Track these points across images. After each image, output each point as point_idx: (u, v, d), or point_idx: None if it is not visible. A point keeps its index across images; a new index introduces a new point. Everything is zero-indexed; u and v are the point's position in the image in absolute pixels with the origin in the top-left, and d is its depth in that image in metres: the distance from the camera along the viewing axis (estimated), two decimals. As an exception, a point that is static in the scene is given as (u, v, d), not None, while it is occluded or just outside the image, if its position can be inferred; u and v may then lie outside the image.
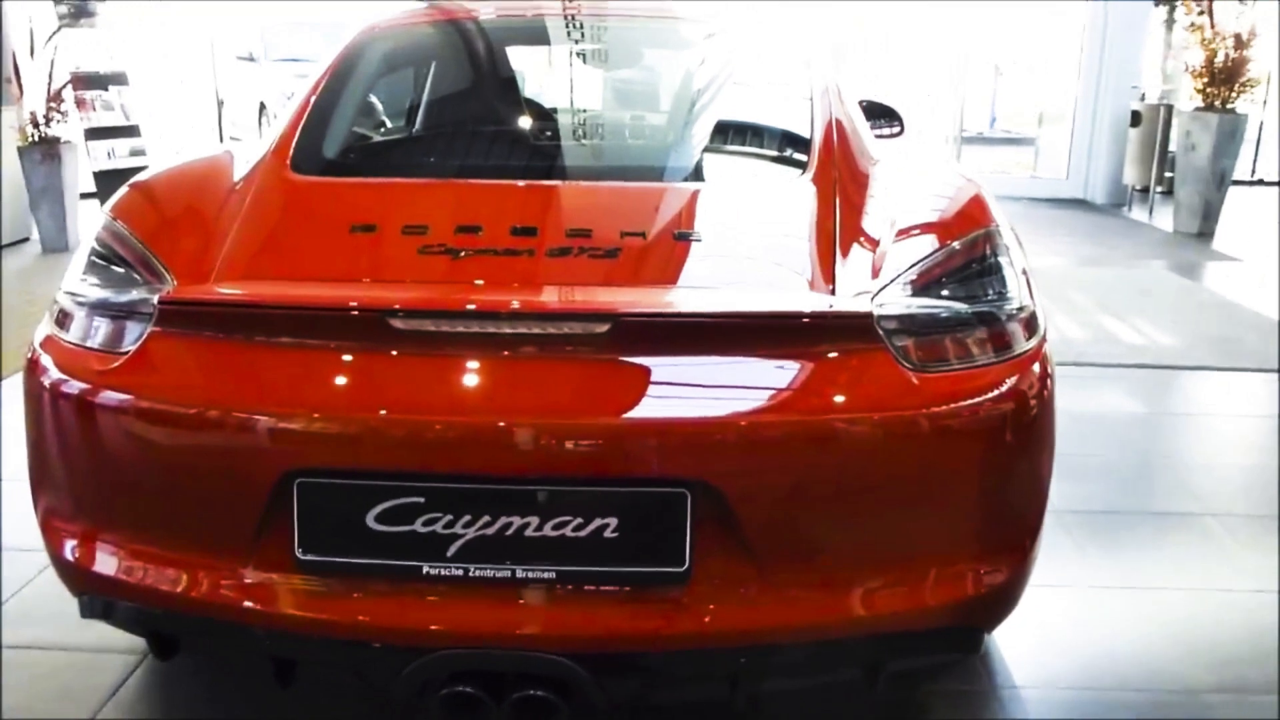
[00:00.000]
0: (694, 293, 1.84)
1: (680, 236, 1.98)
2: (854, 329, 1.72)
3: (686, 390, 1.69)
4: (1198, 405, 4.22)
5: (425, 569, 1.66)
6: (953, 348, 1.78)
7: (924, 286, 1.83)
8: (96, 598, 1.86)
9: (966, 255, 1.90)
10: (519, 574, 1.66)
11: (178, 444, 1.72)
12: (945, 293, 1.83)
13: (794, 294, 1.83)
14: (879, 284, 1.82)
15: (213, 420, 1.68)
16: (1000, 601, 1.86)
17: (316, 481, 1.66)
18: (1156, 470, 3.54)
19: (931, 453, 1.73)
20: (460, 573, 1.66)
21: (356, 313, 1.68)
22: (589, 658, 1.69)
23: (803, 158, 2.23)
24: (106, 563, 1.82)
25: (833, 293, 1.81)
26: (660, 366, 1.68)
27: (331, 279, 1.86)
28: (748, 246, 1.98)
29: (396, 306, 1.66)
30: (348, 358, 1.69)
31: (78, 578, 1.87)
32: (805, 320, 1.71)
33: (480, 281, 1.83)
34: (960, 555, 1.78)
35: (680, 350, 1.69)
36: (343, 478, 1.67)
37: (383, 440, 1.64)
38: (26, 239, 7.22)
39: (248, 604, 1.72)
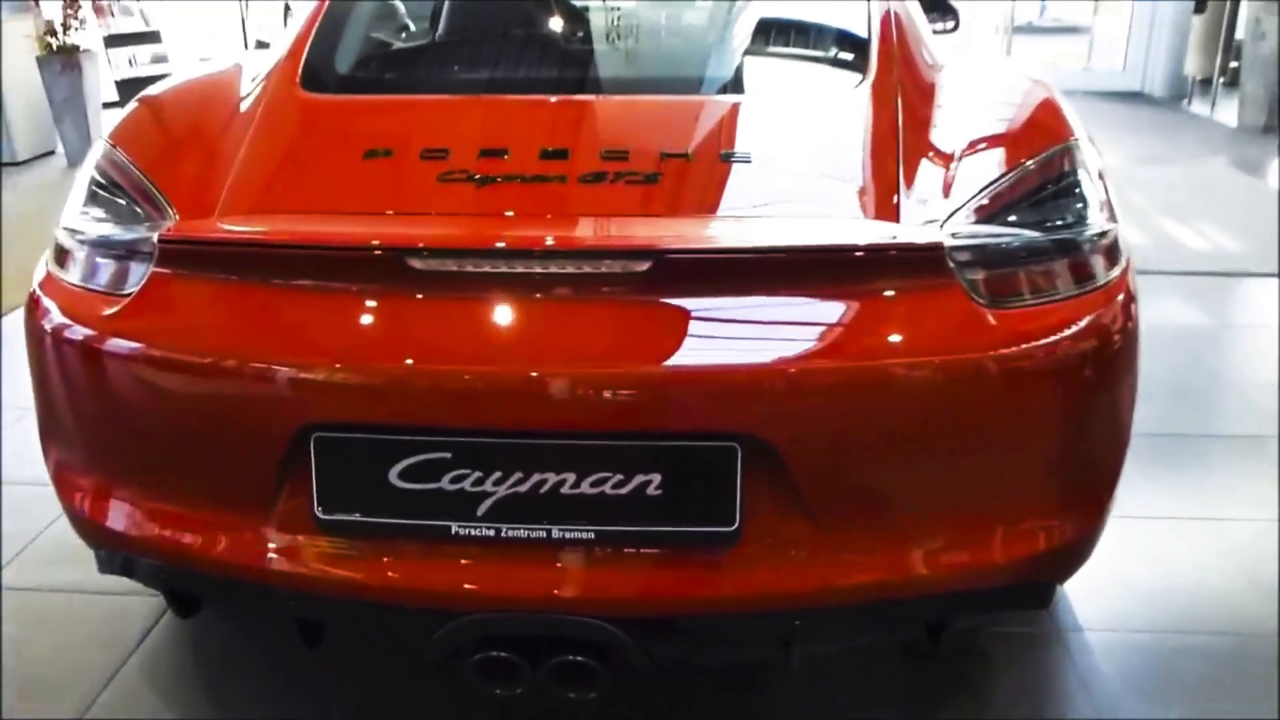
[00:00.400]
0: (743, 224, 1.66)
1: (725, 157, 1.78)
2: (922, 262, 1.55)
3: (737, 333, 1.53)
4: (1267, 316, 3.99)
5: (454, 529, 1.54)
6: (1028, 280, 1.61)
7: (996, 212, 1.64)
8: (115, 553, 1.77)
9: (1043, 175, 1.71)
10: (555, 534, 1.53)
11: (182, 396, 1.60)
12: (1020, 218, 1.65)
13: (854, 223, 1.65)
14: (947, 210, 1.63)
15: (218, 371, 1.55)
16: (1074, 555, 1.72)
17: (334, 436, 1.54)
18: (1225, 388, 3.36)
19: (1006, 398, 1.57)
20: (492, 533, 1.54)
21: (369, 253, 1.53)
22: (631, 621, 1.58)
23: (860, 63, 2.01)
24: (119, 518, 1.72)
25: (897, 220, 1.63)
26: (707, 308, 1.52)
27: (344, 212, 1.70)
28: (800, 168, 1.79)
29: (417, 245, 1.51)
30: (363, 301, 1.55)
31: (91, 532, 1.77)
32: (869, 254, 1.53)
33: (510, 212, 1.66)
34: (1033, 508, 1.64)
35: (729, 289, 1.52)
36: (362, 432, 1.54)
37: (404, 392, 1.50)
38: (51, 152, 7.11)
39: (268, 564, 1.62)
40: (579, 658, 1.59)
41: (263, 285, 1.58)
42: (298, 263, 1.57)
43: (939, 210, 1.64)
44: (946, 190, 1.68)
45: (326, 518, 1.57)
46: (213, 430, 1.59)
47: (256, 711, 1.96)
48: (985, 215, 1.64)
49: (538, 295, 1.52)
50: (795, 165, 1.79)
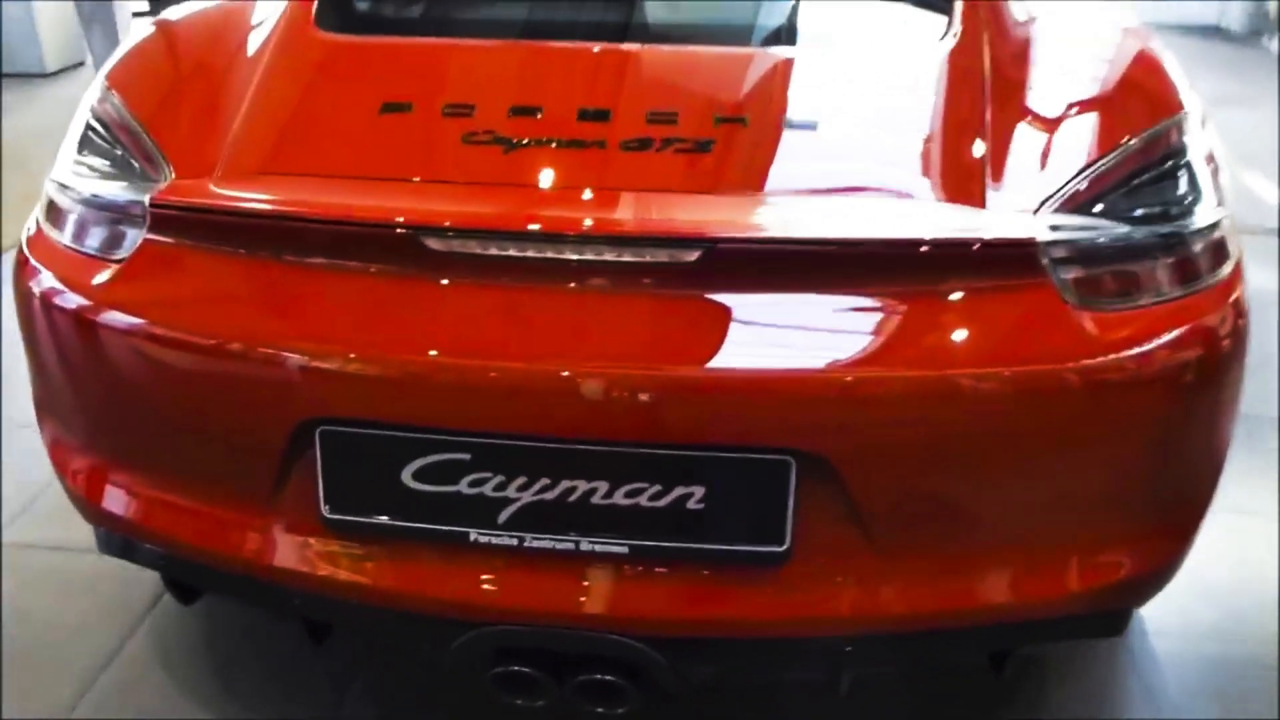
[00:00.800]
0: (805, 208, 1.45)
1: (787, 124, 1.56)
2: (1012, 259, 1.35)
3: (795, 335, 1.34)
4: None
5: (473, 536, 1.39)
6: (1128, 279, 1.41)
7: (1095, 199, 1.43)
8: (113, 535, 1.64)
9: (1148, 156, 1.49)
10: (583, 547, 1.38)
11: (175, 378, 1.45)
12: (1121, 207, 1.44)
13: (934, 211, 1.44)
14: (1040, 196, 1.43)
15: (211, 353, 1.40)
16: (1157, 582, 1.55)
17: (342, 430, 1.39)
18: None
19: (1099, 412, 1.38)
20: (514, 542, 1.39)
21: (381, 231, 1.35)
22: (665, 641, 1.43)
23: (943, 7, 1.76)
24: (115, 500, 1.59)
25: (982, 206, 1.43)
26: (762, 304, 1.34)
27: (357, 176, 1.51)
28: (872, 139, 1.57)
29: (439, 224, 1.33)
30: (372, 283, 1.38)
31: (88, 511, 1.65)
32: (951, 249, 1.34)
33: (542, 183, 1.47)
34: (1116, 532, 1.47)
35: (787, 284, 1.34)
36: (372, 428, 1.38)
37: (417, 387, 1.34)
38: (81, 64, 6.94)
39: (270, 562, 1.48)
40: (607, 676, 1.46)
41: (262, 260, 1.41)
42: (300, 237, 1.40)
43: (1030, 196, 1.43)
44: (1039, 171, 1.47)
45: (334, 517, 1.42)
46: (206, 418, 1.45)
47: (269, 692, 1.86)
48: (1082, 202, 1.43)
49: (571, 284, 1.34)
50: (866, 135, 1.57)
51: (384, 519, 1.41)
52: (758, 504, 1.36)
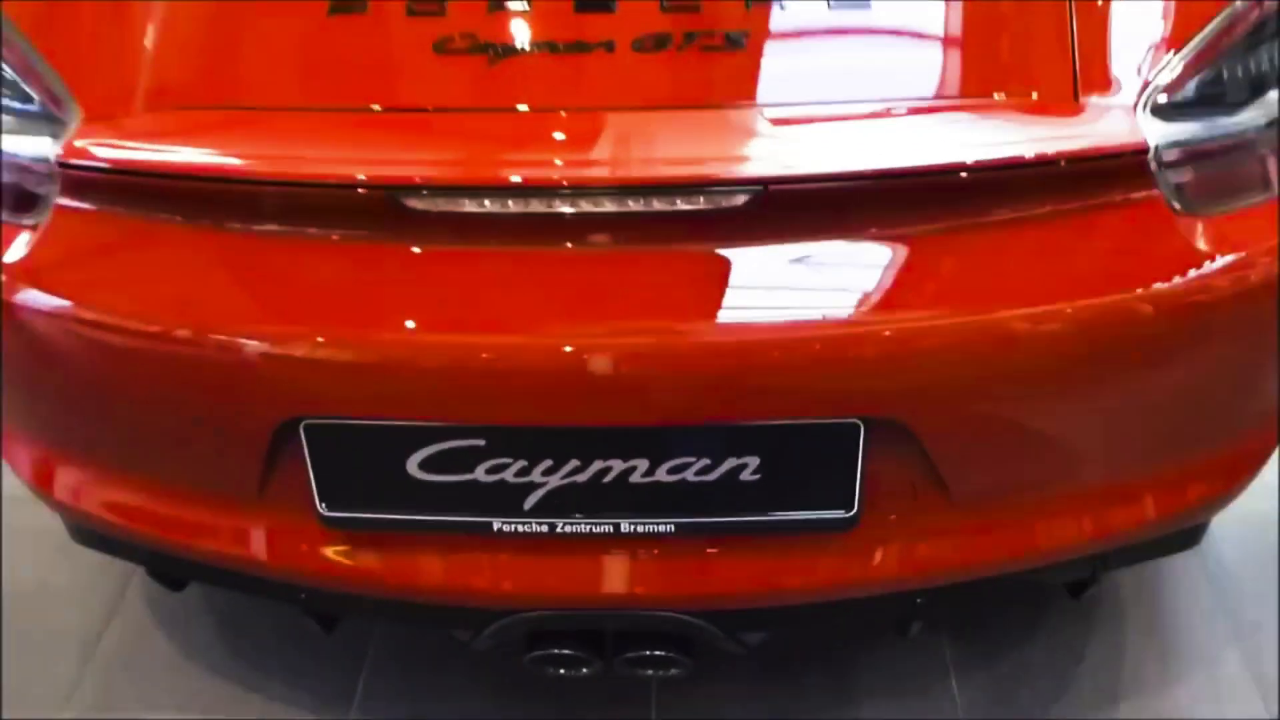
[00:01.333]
0: (873, 130, 1.14)
1: (836, 5, 1.24)
2: (1120, 170, 1.12)
3: (859, 285, 1.11)
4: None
5: (496, 525, 1.21)
6: (1235, 176, 1.19)
7: (1198, 84, 1.18)
8: (81, 526, 1.46)
9: (1253, 18, 1.23)
10: (624, 529, 1.21)
11: (112, 372, 1.21)
12: (1225, 91, 1.20)
13: (1020, 120, 1.17)
14: (1139, 83, 1.16)
15: (148, 346, 1.15)
16: (1237, 493, 1.40)
17: (330, 423, 1.18)
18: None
19: (1206, 332, 1.19)
20: (545, 529, 1.21)
21: (338, 191, 1.10)
22: (720, 614, 1.29)
23: None
24: (68, 490, 1.39)
25: (1076, 104, 1.17)
26: (818, 253, 1.11)
27: (306, 105, 1.22)
28: (937, 18, 1.26)
29: (419, 181, 1.07)
30: (342, 251, 1.13)
31: (44, 498, 1.45)
32: (1046, 167, 1.10)
33: (543, 101, 1.17)
34: (1205, 455, 1.31)
35: (850, 224, 1.11)
36: (363, 420, 1.18)
37: (408, 378, 1.12)
38: None
39: (265, 559, 1.30)
40: (657, 652, 1.32)
41: (200, 227, 1.16)
42: (241, 202, 1.13)
43: (1129, 85, 1.17)
44: (1131, 54, 1.20)
45: (332, 514, 1.23)
46: (159, 417, 1.23)
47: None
48: (1182, 89, 1.18)
49: (586, 240, 1.10)
50: (929, 13, 1.27)
51: (390, 515, 1.23)
52: (822, 471, 1.18)
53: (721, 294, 1.10)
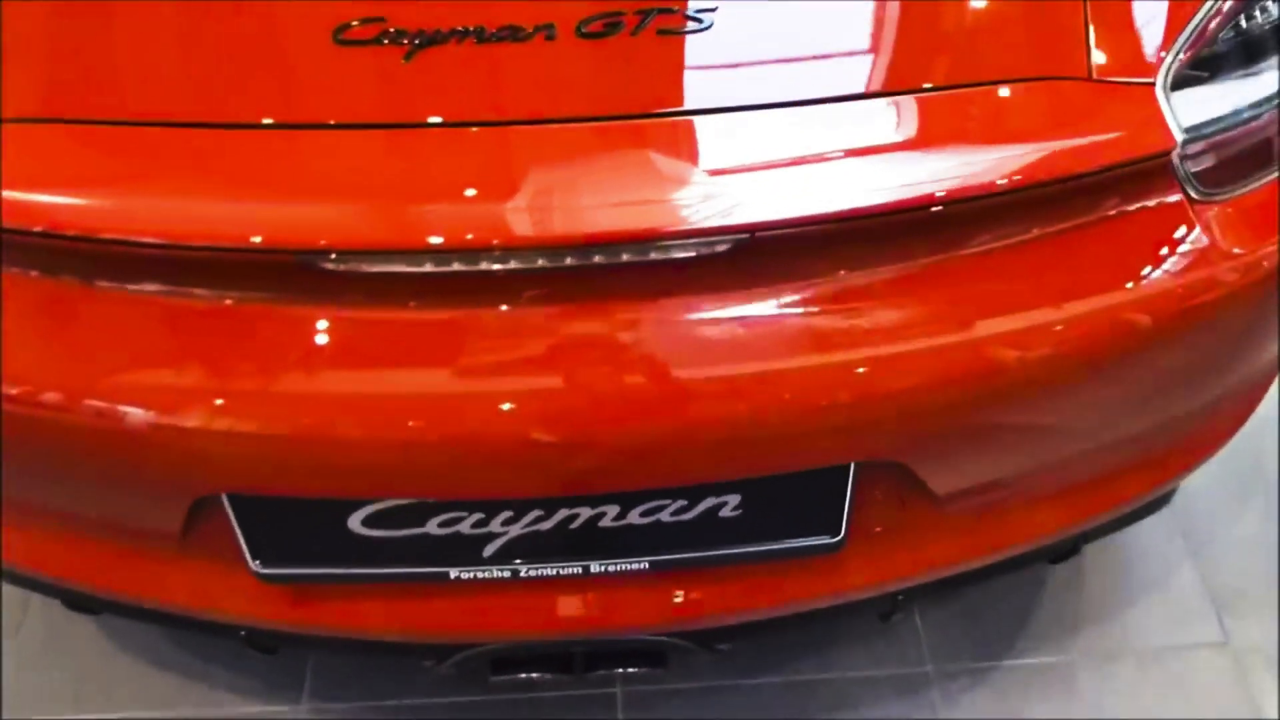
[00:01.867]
0: (876, 164, 0.94)
1: None
2: (1140, 173, 0.99)
3: (849, 326, 0.97)
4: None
5: (454, 574, 1.10)
6: (1248, 156, 1.07)
7: (1211, 55, 1.04)
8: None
9: None
10: (594, 569, 1.11)
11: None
12: (1239, 61, 1.06)
13: (1030, 119, 1.00)
14: (1151, 58, 1.01)
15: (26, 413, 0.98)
16: (1211, 457, 1.36)
17: (254, 496, 1.03)
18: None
19: (1207, 333, 1.10)
20: (507, 574, 1.11)
21: (214, 254, 0.91)
22: (697, 633, 1.22)
23: None
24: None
25: (1088, 76, 1.01)
26: (803, 297, 0.96)
27: (181, 119, 0.97)
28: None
29: (320, 244, 0.88)
30: (241, 314, 0.95)
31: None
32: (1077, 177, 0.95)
33: (470, 112, 0.96)
34: (1187, 433, 1.26)
35: (840, 260, 0.96)
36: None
37: (331, 457, 0.96)
38: None
39: (194, 606, 1.18)
40: (629, 669, 1.26)
41: (68, 281, 0.96)
42: (106, 260, 0.94)
43: (1141, 59, 1.01)
44: (1146, 25, 1.04)
45: (267, 571, 1.11)
46: (71, 485, 1.07)
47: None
48: (1196, 60, 1.03)
49: (524, 296, 0.93)
50: None
51: (334, 569, 1.11)
52: (808, 505, 1.08)
53: (688, 351, 0.95)
